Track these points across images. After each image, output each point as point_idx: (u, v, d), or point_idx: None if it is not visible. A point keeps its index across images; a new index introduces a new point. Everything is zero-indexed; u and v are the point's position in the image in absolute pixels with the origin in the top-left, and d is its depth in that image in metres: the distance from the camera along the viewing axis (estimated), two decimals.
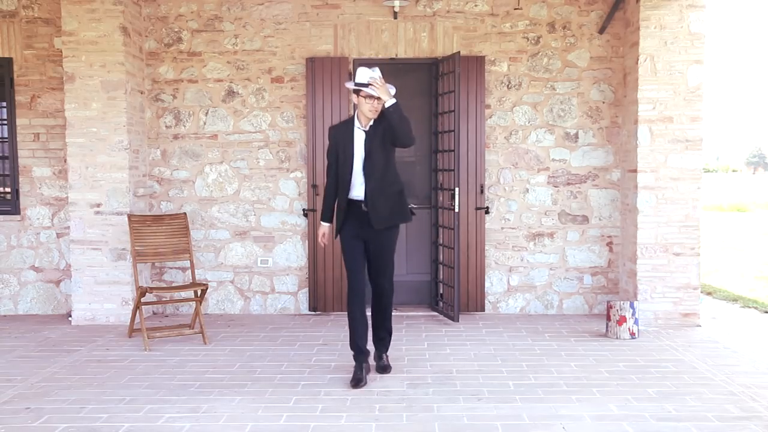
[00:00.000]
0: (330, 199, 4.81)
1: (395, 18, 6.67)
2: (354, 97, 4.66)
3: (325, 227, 4.83)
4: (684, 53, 6.19)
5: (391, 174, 4.68)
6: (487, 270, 6.80)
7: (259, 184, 6.84)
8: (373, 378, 4.72)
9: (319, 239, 4.87)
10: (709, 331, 6.10)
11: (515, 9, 6.69)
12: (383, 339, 4.89)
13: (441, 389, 4.48)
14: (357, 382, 4.54)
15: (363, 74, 4.55)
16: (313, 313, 6.82)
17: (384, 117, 4.56)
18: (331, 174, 4.79)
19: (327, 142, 6.60)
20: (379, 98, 4.50)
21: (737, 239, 14.58)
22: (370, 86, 4.48)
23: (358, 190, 4.65)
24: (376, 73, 4.54)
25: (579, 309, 6.81)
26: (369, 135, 4.62)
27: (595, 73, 6.71)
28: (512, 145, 6.77)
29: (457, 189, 6.23)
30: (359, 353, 4.68)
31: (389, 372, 4.81)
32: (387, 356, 4.91)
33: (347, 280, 4.74)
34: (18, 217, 6.83)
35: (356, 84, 4.56)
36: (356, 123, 4.67)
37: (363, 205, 4.63)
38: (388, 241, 4.73)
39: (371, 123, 4.63)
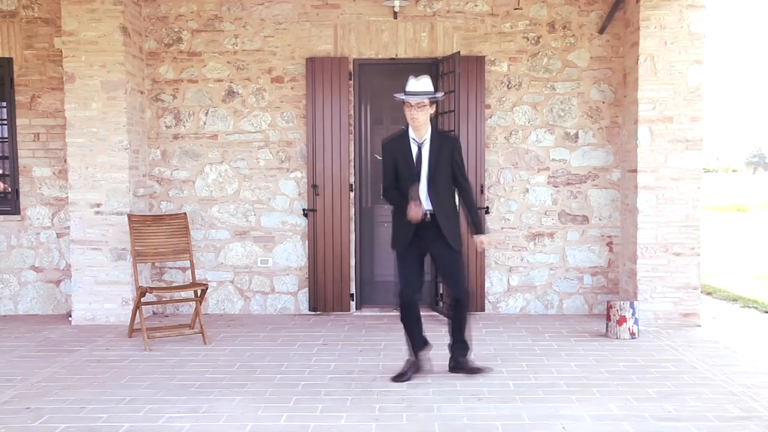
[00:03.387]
0: (393, 190, 4.74)
1: (395, 18, 6.67)
2: (404, 107, 4.70)
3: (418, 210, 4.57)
4: (684, 53, 6.19)
5: (449, 197, 4.74)
6: (487, 270, 6.80)
7: (259, 184, 6.85)
8: (373, 378, 4.73)
9: (414, 209, 4.54)
10: (709, 331, 6.10)
11: (515, 9, 6.69)
12: (460, 348, 4.90)
13: (441, 389, 4.48)
14: (398, 376, 4.70)
15: (408, 84, 4.63)
16: (313, 313, 6.82)
17: (447, 140, 4.75)
18: (391, 188, 4.76)
19: (327, 142, 6.69)
20: (417, 106, 4.58)
21: (737, 239, 14.57)
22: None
23: (424, 202, 4.66)
24: (422, 82, 4.60)
25: (579, 309, 6.81)
26: (431, 151, 4.65)
27: (595, 73, 6.72)
28: (512, 145, 6.77)
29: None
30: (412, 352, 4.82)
31: (473, 372, 4.79)
32: (465, 359, 4.88)
33: (397, 290, 4.76)
34: (18, 217, 6.83)
35: (405, 94, 4.61)
36: (411, 134, 4.71)
37: (429, 215, 4.64)
38: (457, 248, 4.74)
39: (427, 137, 4.68)
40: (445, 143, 4.72)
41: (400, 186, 4.72)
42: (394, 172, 4.75)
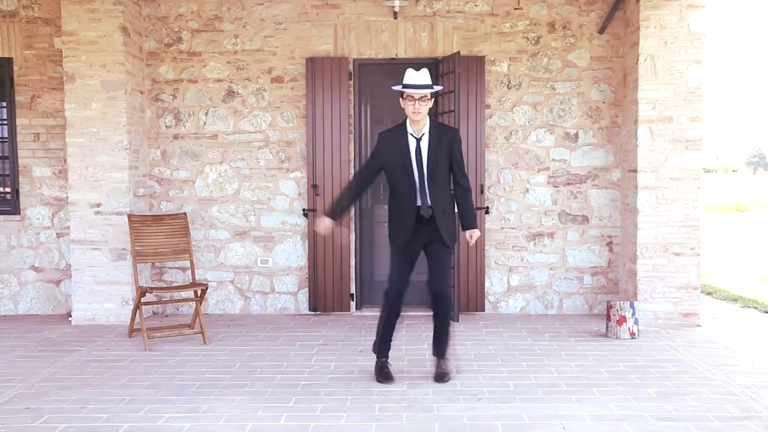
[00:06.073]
0: (348, 194, 4.75)
1: (395, 18, 6.67)
2: (401, 100, 4.55)
3: (327, 222, 4.66)
4: (684, 53, 6.19)
5: (447, 191, 4.65)
6: (487, 270, 6.80)
7: (259, 184, 6.85)
8: (373, 378, 4.72)
9: (321, 230, 4.71)
10: (709, 331, 6.10)
11: (515, 9, 6.69)
12: (438, 345, 4.80)
13: (441, 389, 4.48)
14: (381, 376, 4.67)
15: (408, 76, 4.50)
16: (313, 313, 6.82)
17: (446, 133, 4.61)
18: (363, 173, 4.75)
19: (327, 142, 6.69)
20: (420, 99, 4.46)
21: (737, 239, 14.58)
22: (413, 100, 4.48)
23: (420, 198, 4.58)
24: (422, 75, 4.49)
25: (579, 309, 6.81)
26: (431, 144, 4.54)
27: (595, 73, 6.72)
28: (512, 145, 6.77)
29: None
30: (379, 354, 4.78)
31: (445, 380, 4.63)
32: (444, 362, 4.75)
33: (389, 286, 4.65)
34: (18, 217, 6.83)
35: (403, 86, 4.47)
36: (409, 129, 4.59)
37: (429, 210, 4.55)
38: (450, 244, 4.67)
39: (426, 130, 4.57)
40: (445, 136, 4.58)
41: (393, 181, 4.61)
42: (380, 166, 4.64)
